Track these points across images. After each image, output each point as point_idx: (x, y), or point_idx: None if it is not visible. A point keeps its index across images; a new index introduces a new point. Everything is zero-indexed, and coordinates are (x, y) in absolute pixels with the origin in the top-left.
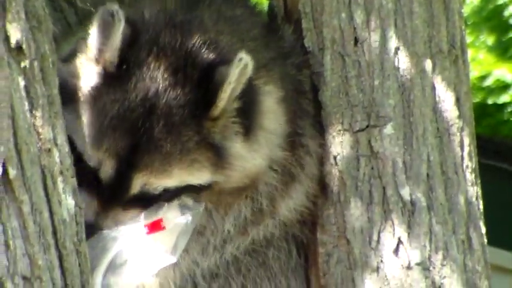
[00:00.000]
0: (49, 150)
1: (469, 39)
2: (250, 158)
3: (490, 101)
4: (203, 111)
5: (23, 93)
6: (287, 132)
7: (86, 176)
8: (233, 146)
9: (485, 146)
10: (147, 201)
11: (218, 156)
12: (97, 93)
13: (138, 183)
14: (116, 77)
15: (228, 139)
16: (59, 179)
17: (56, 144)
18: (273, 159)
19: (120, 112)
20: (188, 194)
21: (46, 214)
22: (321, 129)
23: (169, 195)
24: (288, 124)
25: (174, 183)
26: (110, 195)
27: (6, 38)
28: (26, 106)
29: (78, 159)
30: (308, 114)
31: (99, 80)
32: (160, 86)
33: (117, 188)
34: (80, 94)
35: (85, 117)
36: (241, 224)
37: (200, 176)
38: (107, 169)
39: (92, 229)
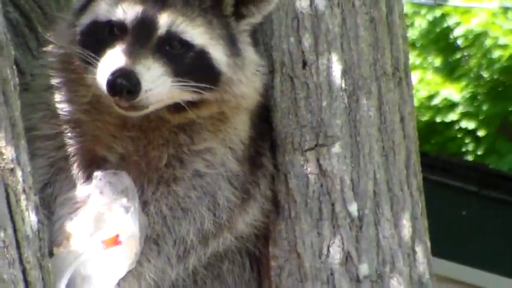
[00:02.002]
0: (12, 169)
1: (417, 60)
2: (251, 71)
3: (438, 119)
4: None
5: None
6: (247, 147)
7: (111, 42)
8: (245, 49)
9: (433, 164)
10: (173, 56)
11: (232, 49)
12: None
13: (165, 21)
14: None
15: (243, 40)
16: (22, 197)
17: (19, 164)
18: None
19: None
20: (200, 82)
21: (10, 230)
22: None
23: (192, 59)
24: (249, 142)
25: (198, 38)
26: (139, 39)
27: None
28: None
29: (98, 32)
30: (267, 136)
31: None
32: None
33: (145, 29)
34: None
35: None
36: (203, 235)
37: (216, 52)
38: (134, 13)
39: (127, 75)
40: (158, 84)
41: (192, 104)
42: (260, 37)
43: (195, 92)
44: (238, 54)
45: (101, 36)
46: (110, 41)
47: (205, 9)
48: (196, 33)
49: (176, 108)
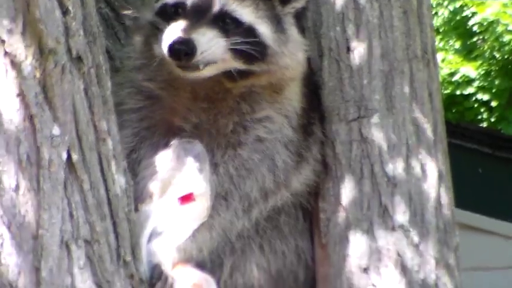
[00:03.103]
0: (104, 139)
1: (440, 44)
2: (294, 47)
3: (457, 92)
4: None
5: (83, 94)
6: (300, 116)
7: (174, 19)
8: (289, 29)
9: (453, 130)
10: (225, 30)
11: (277, 27)
12: None
13: (219, 2)
14: None
15: (287, 21)
16: (112, 162)
17: (110, 134)
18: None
19: None
20: (251, 52)
21: (102, 190)
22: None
23: (242, 33)
24: (302, 112)
25: (247, 16)
26: (196, 15)
27: (69, 50)
28: (85, 104)
29: (167, 12)
30: (316, 109)
31: None
32: None
33: (202, 8)
34: None
35: None
36: (264, 192)
37: (263, 28)
38: None
39: (184, 41)
40: (212, 45)
41: (242, 74)
42: (309, 26)
43: (245, 60)
44: (282, 31)
45: (168, 15)
46: (174, 16)
47: None
48: (245, 12)
49: (231, 76)
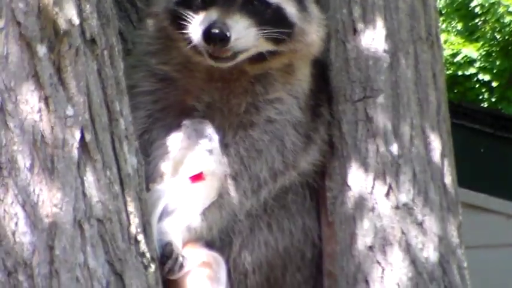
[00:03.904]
0: (117, 120)
1: (443, 25)
2: (316, 23)
3: (459, 73)
4: None
5: (96, 76)
6: (308, 97)
7: (203, 6)
8: (310, 6)
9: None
10: (255, 13)
11: (300, 5)
12: None
13: None
14: None
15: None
16: (125, 143)
17: (122, 115)
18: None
19: None
20: (276, 30)
21: (114, 169)
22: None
23: (270, 15)
24: (310, 93)
25: None
26: (227, 1)
27: (82, 33)
28: (98, 85)
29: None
30: (324, 90)
31: None
32: None
33: None
34: None
35: None
36: (273, 172)
37: (289, 7)
38: None
39: (220, 26)
40: (245, 34)
41: (270, 55)
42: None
43: (274, 42)
44: (305, 9)
45: (194, 3)
46: (202, 5)
47: None
48: None
49: (256, 58)
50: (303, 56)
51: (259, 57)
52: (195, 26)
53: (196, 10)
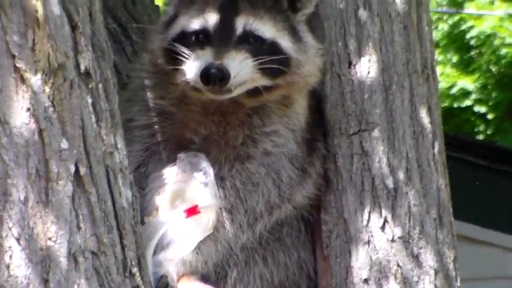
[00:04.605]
0: (111, 153)
1: (439, 57)
2: (313, 53)
3: (455, 105)
4: (289, 2)
5: (91, 109)
6: (305, 131)
7: (198, 45)
8: (305, 36)
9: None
10: (251, 50)
11: (294, 37)
12: None
13: (241, 23)
14: None
15: (301, 29)
16: (119, 176)
17: (117, 148)
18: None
19: None
20: (273, 65)
21: (109, 203)
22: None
23: (266, 50)
24: (307, 127)
25: (268, 32)
26: (223, 40)
27: (77, 66)
28: (93, 118)
29: (186, 39)
30: (320, 124)
31: None
32: None
33: (226, 32)
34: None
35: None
36: (269, 206)
37: (284, 41)
38: (215, 21)
39: (218, 67)
40: (242, 67)
41: (267, 89)
42: (316, 27)
43: (271, 76)
44: (300, 40)
45: (189, 42)
46: (197, 45)
47: (268, 8)
48: (266, 29)
49: (253, 92)
50: (300, 87)
51: (256, 91)
52: (191, 64)
53: (192, 48)
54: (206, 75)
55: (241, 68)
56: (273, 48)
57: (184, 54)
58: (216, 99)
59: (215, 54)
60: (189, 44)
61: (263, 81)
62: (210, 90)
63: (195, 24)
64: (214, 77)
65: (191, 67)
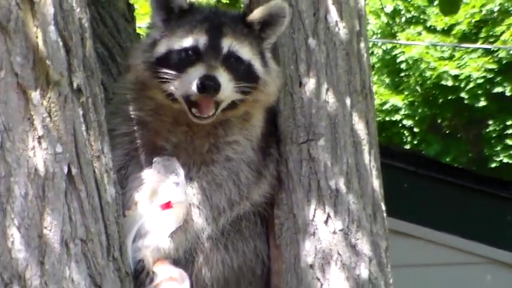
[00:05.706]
0: (98, 156)
1: (374, 78)
2: (275, 76)
3: (387, 119)
4: (259, 32)
5: (81, 119)
6: (260, 140)
7: (188, 62)
8: (270, 61)
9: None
10: (232, 68)
11: (263, 61)
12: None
13: (226, 44)
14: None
15: (267, 55)
16: (105, 175)
17: (103, 153)
18: (250, 159)
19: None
20: (247, 84)
21: (96, 198)
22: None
23: (243, 70)
24: (262, 137)
25: (246, 55)
26: (212, 57)
27: (71, 83)
28: (83, 127)
29: (174, 57)
30: (273, 134)
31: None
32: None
33: (215, 51)
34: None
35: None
36: (231, 203)
37: (256, 64)
38: (204, 40)
39: (213, 78)
40: (228, 85)
41: (235, 104)
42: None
43: (243, 93)
44: (266, 64)
45: (177, 59)
46: (187, 62)
47: (246, 34)
48: (245, 51)
49: (226, 108)
50: (261, 104)
51: (228, 107)
52: (186, 78)
53: (179, 68)
54: (202, 84)
55: (227, 85)
56: (248, 69)
57: (168, 74)
58: (203, 123)
59: (207, 68)
60: (171, 65)
61: (236, 96)
62: (194, 115)
63: (185, 42)
64: (210, 86)
65: (184, 80)
